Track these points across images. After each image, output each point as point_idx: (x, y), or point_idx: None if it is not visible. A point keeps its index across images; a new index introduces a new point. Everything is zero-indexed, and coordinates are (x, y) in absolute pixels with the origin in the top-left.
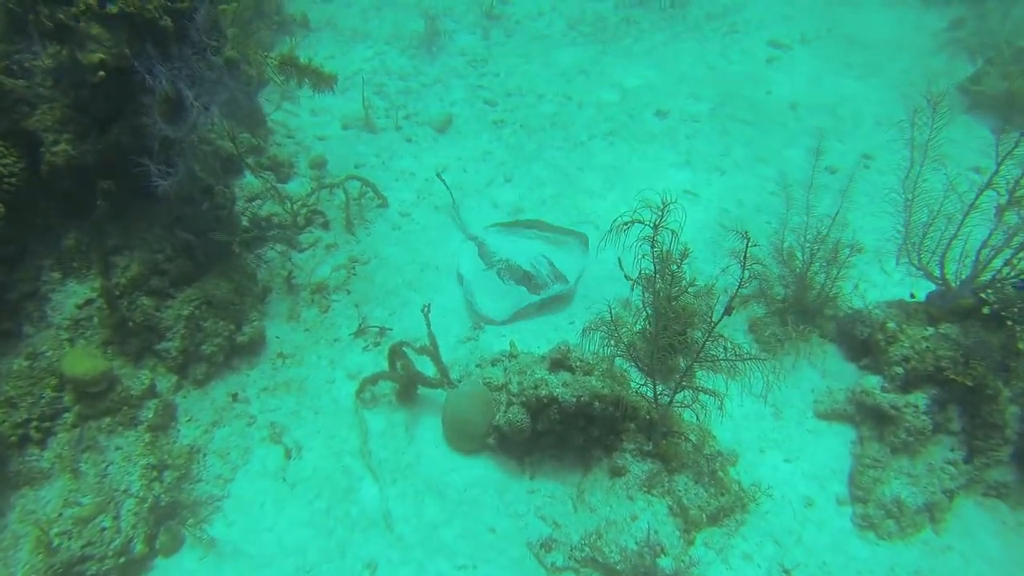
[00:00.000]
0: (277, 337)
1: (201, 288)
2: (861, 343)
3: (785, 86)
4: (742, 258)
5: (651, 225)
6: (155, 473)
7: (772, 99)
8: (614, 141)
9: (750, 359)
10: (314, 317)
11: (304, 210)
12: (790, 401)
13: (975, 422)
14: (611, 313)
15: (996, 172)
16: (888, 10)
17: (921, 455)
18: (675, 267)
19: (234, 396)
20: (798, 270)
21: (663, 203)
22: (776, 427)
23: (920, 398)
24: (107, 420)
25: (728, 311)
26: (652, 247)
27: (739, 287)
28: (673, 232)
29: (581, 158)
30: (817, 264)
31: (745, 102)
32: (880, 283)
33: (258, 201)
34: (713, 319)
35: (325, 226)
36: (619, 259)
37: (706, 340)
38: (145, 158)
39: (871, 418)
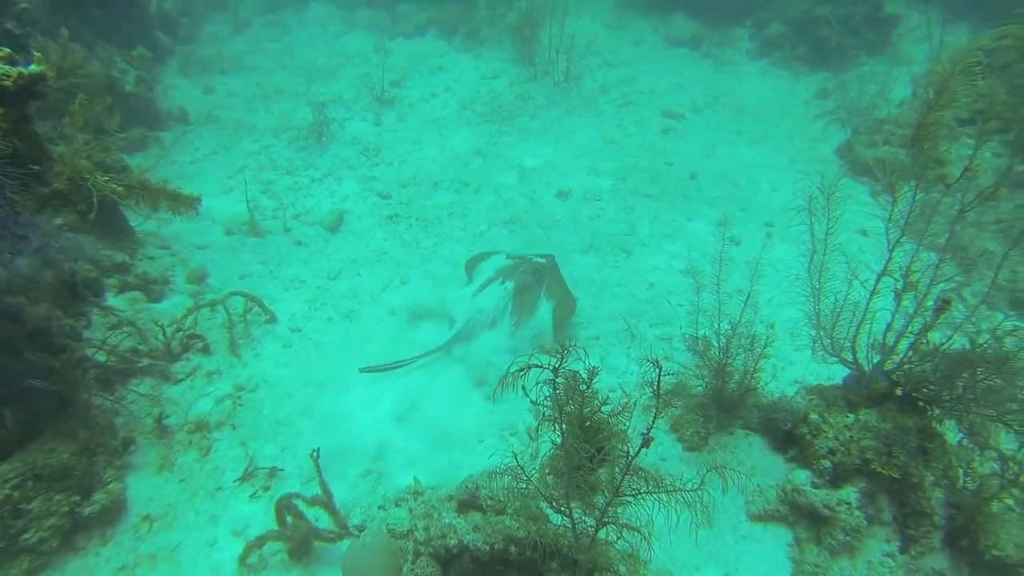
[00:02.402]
0: (143, 496)
1: (24, 460)
2: (785, 433)
3: (683, 155)
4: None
5: (550, 369)
6: None
7: (673, 170)
8: (515, 230)
9: (674, 491)
10: (192, 463)
11: (180, 335)
12: (721, 504)
13: (904, 510)
14: (516, 459)
15: (889, 259)
16: (766, 80)
17: (859, 552)
18: (584, 387)
19: None
20: (715, 361)
21: (562, 347)
22: (710, 537)
23: (851, 493)
24: None
25: (646, 443)
26: (554, 391)
27: (655, 418)
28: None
29: (481, 251)
30: (735, 351)
31: (646, 175)
32: (796, 360)
33: (126, 328)
34: (630, 451)
35: (205, 351)
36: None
37: (624, 475)
38: None
39: (806, 518)
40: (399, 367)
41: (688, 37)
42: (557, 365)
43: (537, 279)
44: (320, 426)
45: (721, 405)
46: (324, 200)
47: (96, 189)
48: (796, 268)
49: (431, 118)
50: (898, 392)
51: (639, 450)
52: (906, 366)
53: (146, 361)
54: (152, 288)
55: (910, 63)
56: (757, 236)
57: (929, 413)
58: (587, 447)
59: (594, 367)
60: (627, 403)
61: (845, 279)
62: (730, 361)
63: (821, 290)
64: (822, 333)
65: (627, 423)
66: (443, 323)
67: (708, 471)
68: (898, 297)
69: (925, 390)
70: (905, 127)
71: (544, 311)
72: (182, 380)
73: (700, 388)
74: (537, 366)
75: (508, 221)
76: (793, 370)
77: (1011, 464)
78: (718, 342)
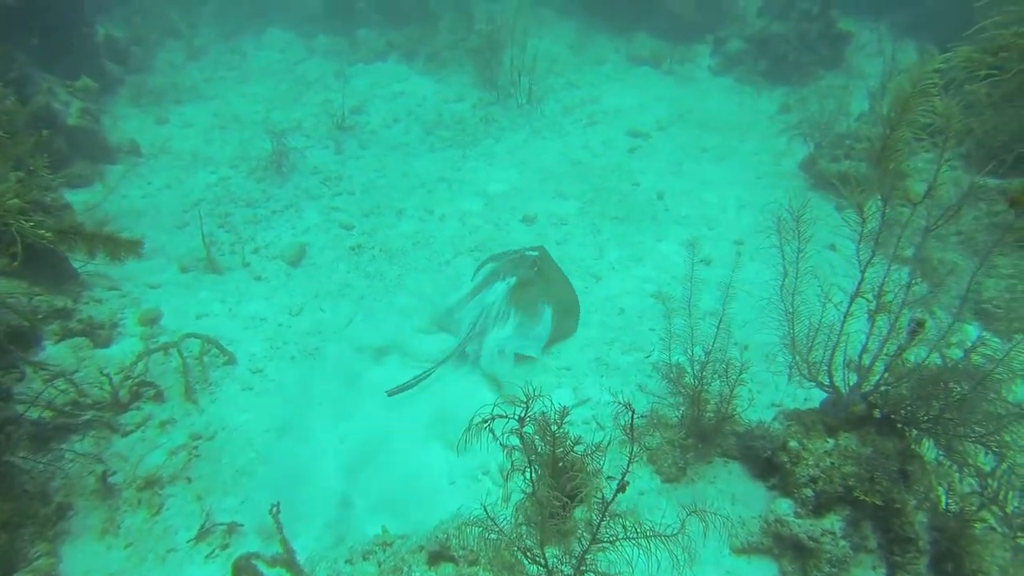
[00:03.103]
0: (81, 568)
1: None
2: (765, 460)
3: (650, 175)
4: (629, 431)
5: (516, 418)
6: None
7: (640, 191)
8: (481, 258)
9: (654, 536)
10: (141, 524)
11: (129, 382)
12: (704, 538)
13: (889, 536)
14: (486, 511)
15: (861, 280)
16: (729, 96)
17: None
18: (555, 428)
19: None
20: (690, 389)
21: (527, 396)
22: (693, 574)
23: (835, 521)
24: None
25: (621, 488)
26: (521, 441)
27: (629, 463)
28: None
29: (448, 281)
30: (709, 377)
31: (613, 196)
32: (771, 382)
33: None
34: (605, 495)
35: (158, 398)
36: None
37: (600, 521)
38: None
39: (790, 549)
40: (423, 379)
41: (650, 55)
42: (522, 414)
43: (536, 272)
44: (282, 474)
45: (698, 433)
46: (285, 233)
47: (20, 235)
48: (768, 287)
49: (394, 144)
50: (876, 414)
51: (614, 495)
52: (883, 388)
53: (90, 414)
54: (99, 333)
55: (864, 77)
56: (727, 255)
57: (908, 434)
58: (560, 496)
59: (565, 407)
60: (600, 444)
61: (818, 301)
62: (705, 388)
63: (795, 313)
64: (798, 358)
65: (602, 461)
66: (408, 358)
67: (689, 514)
68: (872, 318)
69: (903, 411)
70: (865, 141)
71: (546, 309)
72: (131, 432)
73: (676, 416)
74: (502, 416)
75: (474, 248)
76: (769, 393)
77: (990, 481)
78: (692, 368)
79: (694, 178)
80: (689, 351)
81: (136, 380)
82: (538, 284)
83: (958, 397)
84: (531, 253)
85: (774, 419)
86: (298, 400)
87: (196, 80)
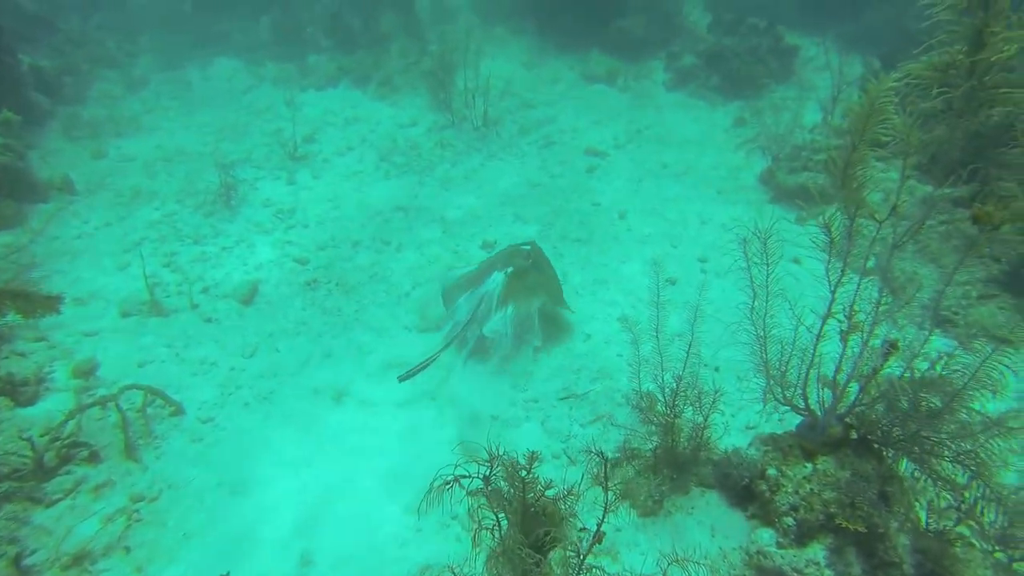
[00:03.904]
0: None
1: None
2: (744, 488)
3: (610, 194)
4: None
5: (480, 478)
6: None
7: (601, 211)
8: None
9: None
10: None
11: (57, 444)
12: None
13: (873, 562)
14: (453, 572)
15: (832, 300)
16: (685, 111)
17: None
18: (524, 472)
19: None
20: (662, 418)
21: (490, 455)
22: None
23: (818, 550)
24: None
25: (598, 539)
26: (489, 501)
27: (604, 514)
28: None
29: (407, 314)
30: (682, 405)
31: (574, 217)
32: (745, 404)
33: None
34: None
35: (93, 459)
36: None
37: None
38: None
39: None
40: (430, 363)
41: (604, 72)
42: (488, 473)
43: (531, 263)
44: (236, 534)
45: (673, 464)
46: (236, 270)
47: None
48: (735, 306)
49: (348, 173)
50: (853, 435)
51: (591, 547)
52: (858, 408)
53: (5, 486)
54: (21, 391)
55: (814, 89)
56: (692, 273)
57: (885, 455)
58: (532, 553)
59: (534, 452)
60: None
61: (790, 320)
62: (678, 417)
63: (767, 337)
64: (772, 383)
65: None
66: (363, 403)
67: (670, 564)
68: (844, 339)
69: (879, 431)
70: (821, 152)
71: (541, 297)
72: (58, 501)
73: (650, 447)
74: (465, 476)
75: (433, 279)
76: (743, 415)
77: (966, 495)
78: (663, 396)
79: (655, 196)
80: (659, 379)
81: (66, 441)
82: (532, 274)
83: (929, 414)
84: (524, 247)
85: (750, 444)
86: (253, 450)
87: (137, 111)
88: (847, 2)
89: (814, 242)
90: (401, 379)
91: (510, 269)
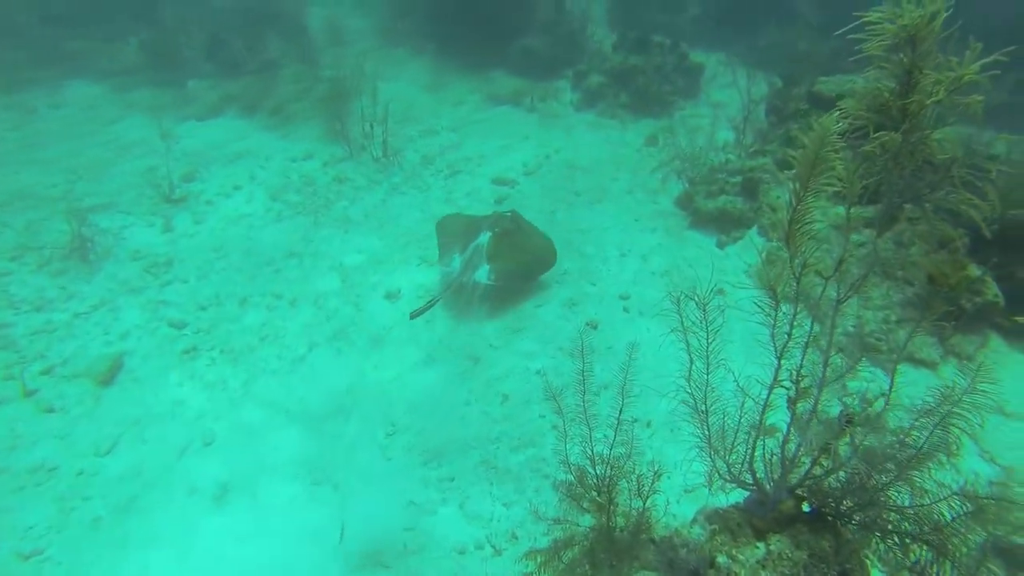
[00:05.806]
0: None
1: None
2: (691, 572)
3: None
4: None
5: None
6: None
7: None
8: (342, 348)
9: None
10: None
11: None
12: None
13: None
14: None
15: (778, 367)
16: (595, 131)
17: None
18: None
19: None
20: (596, 496)
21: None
22: None
23: None
24: None
25: None
26: None
27: None
28: None
29: (303, 383)
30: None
31: None
32: (680, 462)
33: None
34: None
35: None
36: None
37: None
38: None
39: None
40: (437, 302)
41: (510, 94)
42: None
43: (515, 225)
44: None
45: (612, 548)
46: (93, 341)
47: None
48: (663, 349)
49: (235, 216)
50: (805, 508)
51: None
52: (808, 481)
53: None
54: None
55: (722, 107)
56: (615, 313)
57: (842, 529)
58: None
59: None
60: None
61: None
62: (613, 498)
63: (708, 412)
64: (718, 462)
65: None
66: (257, 501)
67: None
68: (791, 405)
69: (833, 504)
70: (736, 175)
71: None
72: None
73: (584, 526)
74: None
75: (332, 337)
76: (679, 476)
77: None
78: (594, 469)
79: (569, 226)
80: (589, 449)
81: None
82: (516, 234)
83: (880, 487)
84: (506, 213)
85: (694, 521)
86: None
87: None
88: (745, 21)
89: (757, 305)
90: (413, 315)
91: (497, 229)
